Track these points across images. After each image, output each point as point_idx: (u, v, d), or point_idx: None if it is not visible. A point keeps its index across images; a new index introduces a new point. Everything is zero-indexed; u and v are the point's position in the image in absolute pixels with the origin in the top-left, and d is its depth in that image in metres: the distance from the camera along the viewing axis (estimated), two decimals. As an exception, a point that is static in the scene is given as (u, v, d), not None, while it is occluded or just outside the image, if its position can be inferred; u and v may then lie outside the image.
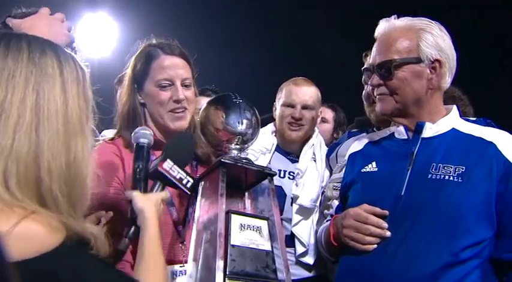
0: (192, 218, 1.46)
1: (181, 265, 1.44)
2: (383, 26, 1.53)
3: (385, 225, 1.39)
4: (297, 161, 2.23)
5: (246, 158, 1.39)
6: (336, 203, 1.69)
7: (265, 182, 1.41)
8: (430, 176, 1.40)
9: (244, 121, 1.39)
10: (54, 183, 0.90)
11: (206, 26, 4.95)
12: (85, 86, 1.01)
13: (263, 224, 1.32)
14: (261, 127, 2.40)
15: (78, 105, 0.97)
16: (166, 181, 1.30)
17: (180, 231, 1.51)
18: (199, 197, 1.36)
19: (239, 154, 1.39)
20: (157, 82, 1.57)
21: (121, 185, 1.47)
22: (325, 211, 1.81)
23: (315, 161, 2.22)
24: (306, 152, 2.24)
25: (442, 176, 1.39)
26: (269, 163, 2.20)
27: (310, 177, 2.16)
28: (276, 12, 5.20)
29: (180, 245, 1.49)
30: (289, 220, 2.14)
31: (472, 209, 1.35)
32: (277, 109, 2.30)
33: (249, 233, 1.29)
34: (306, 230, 2.10)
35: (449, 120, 1.52)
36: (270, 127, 2.34)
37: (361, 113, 2.07)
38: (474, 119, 1.78)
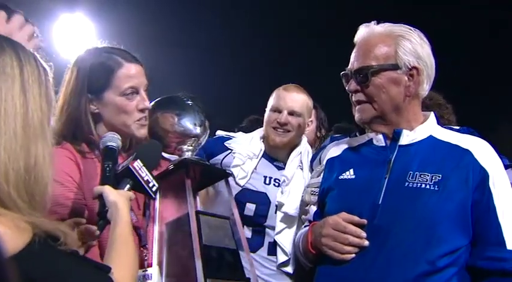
0: (151, 221, 1.46)
1: (144, 269, 1.43)
2: (362, 31, 1.54)
3: (364, 234, 1.39)
4: (283, 168, 2.24)
5: (200, 159, 1.39)
6: (313, 208, 1.69)
7: (222, 182, 1.43)
8: (406, 184, 1.42)
9: (200, 123, 1.40)
10: (13, 188, 0.89)
11: (185, 26, 4.92)
12: (48, 86, 0.98)
13: (226, 223, 1.35)
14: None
15: (39, 106, 0.94)
16: (134, 181, 1.31)
17: (141, 234, 1.51)
18: (158, 199, 1.36)
19: (193, 156, 1.40)
20: (123, 91, 1.54)
21: (79, 189, 1.46)
22: (303, 216, 1.82)
23: (301, 169, 2.23)
24: (292, 160, 2.25)
25: (419, 184, 1.40)
26: (255, 169, 2.21)
27: (296, 185, 2.16)
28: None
29: (142, 248, 1.48)
30: (273, 228, 2.14)
31: (447, 217, 1.36)
32: (267, 112, 2.31)
33: (216, 233, 1.31)
34: (289, 239, 2.10)
35: (427, 128, 1.53)
36: (259, 132, 2.34)
37: (342, 115, 2.08)
38: (458, 127, 1.81)
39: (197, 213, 1.32)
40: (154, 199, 1.41)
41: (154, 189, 1.32)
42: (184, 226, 1.33)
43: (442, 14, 4.52)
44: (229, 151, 2.22)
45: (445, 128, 1.63)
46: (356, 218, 1.41)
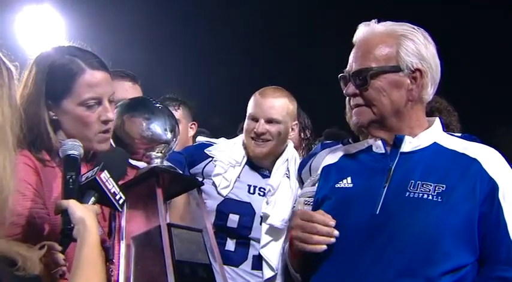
0: (117, 234, 1.43)
1: None
2: (362, 31, 1.49)
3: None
4: (269, 177, 2.16)
5: (171, 166, 1.37)
6: None
7: (194, 192, 1.42)
8: (407, 194, 1.36)
9: (170, 128, 1.38)
10: None
11: (155, 20, 4.89)
12: (11, 88, 0.93)
13: (198, 237, 1.33)
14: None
15: (1, 111, 0.91)
16: (99, 193, 1.27)
17: (107, 248, 1.43)
18: (125, 210, 1.33)
19: (162, 163, 1.37)
20: (83, 101, 1.44)
21: (40, 199, 1.39)
22: None
23: (288, 177, 2.15)
24: (278, 167, 2.16)
25: (421, 194, 1.35)
26: (238, 177, 2.14)
27: (283, 195, 2.09)
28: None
29: (107, 263, 1.41)
30: (259, 240, 2.07)
31: (451, 231, 1.31)
32: (246, 119, 2.22)
33: (188, 247, 1.29)
34: (275, 253, 2.03)
35: (431, 134, 1.48)
36: (242, 138, 2.25)
37: (332, 120, 2.00)
38: (459, 134, 1.77)
39: (169, 226, 1.29)
40: (120, 212, 1.38)
41: (121, 201, 1.29)
42: (154, 240, 1.29)
43: (442, 13, 4.59)
44: (211, 159, 2.15)
45: (449, 134, 1.59)
46: (328, 216, 1.36)
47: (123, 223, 1.34)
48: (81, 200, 1.24)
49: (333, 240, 1.34)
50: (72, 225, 1.18)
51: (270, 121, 2.13)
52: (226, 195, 2.08)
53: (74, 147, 1.32)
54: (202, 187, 2.01)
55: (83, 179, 1.28)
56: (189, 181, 1.44)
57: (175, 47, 5.00)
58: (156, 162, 1.40)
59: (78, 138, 1.42)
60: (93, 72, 1.45)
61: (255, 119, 2.14)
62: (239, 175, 2.15)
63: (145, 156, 1.42)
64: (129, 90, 2.14)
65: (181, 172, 1.40)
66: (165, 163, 1.47)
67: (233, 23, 5.02)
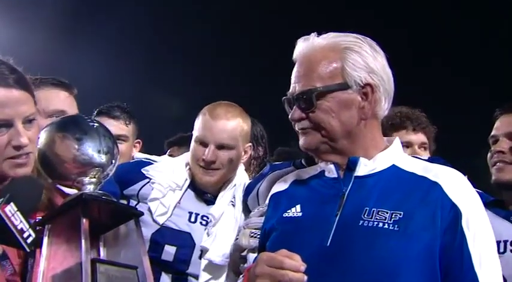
0: (34, 273, 1.34)
1: None
2: (301, 47, 1.42)
3: (303, 267, 1.24)
4: (214, 203, 2.04)
5: (104, 194, 1.30)
6: (252, 255, 1.61)
7: (131, 223, 1.35)
8: (361, 222, 1.31)
9: (106, 150, 1.32)
10: None
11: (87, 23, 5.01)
12: None
13: (131, 274, 1.26)
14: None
15: None
16: (3, 231, 1.17)
17: None
18: (45, 244, 1.26)
19: (96, 190, 1.30)
20: None
21: None
22: (241, 265, 1.68)
23: (233, 205, 2.03)
24: (223, 195, 2.04)
25: (376, 223, 1.30)
26: (179, 203, 2.01)
27: (225, 226, 1.97)
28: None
29: None
30: (197, 276, 1.95)
31: (410, 263, 1.26)
32: (192, 141, 2.07)
33: None
34: None
35: (389, 156, 1.43)
36: (185, 158, 2.11)
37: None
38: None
39: (93, 261, 1.21)
40: (27, 252, 1.28)
41: (29, 240, 1.19)
42: (75, 279, 1.21)
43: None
44: (148, 180, 2.01)
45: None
46: (297, 256, 1.26)
47: (42, 259, 1.26)
48: None
49: None
50: None
51: (221, 147, 1.99)
52: (163, 224, 1.95)
53: None
54: (136, 213, 1.94)
55: None
56: (125, 211, 1.37)
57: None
58: (88, 188, 1.32)
59: None
60: (3, 91, 1.36)
61: (204, 144, 1.99)
62: (179, 200, 2.01)
63: (77, 182, 1.34)
64: (66, 100, 1.99)
65: (114, 200, 1.32)
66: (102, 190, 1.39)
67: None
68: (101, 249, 1.35)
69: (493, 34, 5.39)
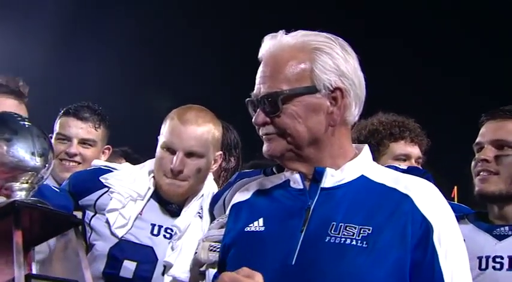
0: None
1: None
2: (268, 45, 1.37)
3: None
4: (179, 215, 1.96)
5: (39, 201, 1.24)
6: (211, 271, 1.55)
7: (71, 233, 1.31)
8: (328, 239, 1.28)
9: (40, 152, 1.26)
10: None
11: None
12: None
13: None
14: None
15: None
16: None
17: None
18: None
19: (29, 196, 1.24)
20: None
21: None
22: None
23: (201, 217, 1.96)
24: (190, 205, 1.96)
25: (343, 239, 1.27)
26: (140, 214, 1.93)
27: (192, 239, 1.87)
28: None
29: None
30: None
31: (379, 281, 1.24)
32: (158, 147, 1.99)
33: None
34: None
35: (358, 165, 1.38)
36: (148, 165, 2.02)
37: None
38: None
39: (28, 277, 1.17)
40: None
41: None
42: None
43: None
44: (106, 189, 1.93)
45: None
46: (259, 276, 1.22)
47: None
48: None
49: None
50: None
51: (190, 154, 1.90)
52: (123, 237, 1.87)
53: None
54: (93, 224, 1.92)
55: None
56: (62, 219, 1.30)
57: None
58: (19, 195, 1.25)
59: None
60: None
61: (171, 151, 1.90)
62: (141, 211, 1.94)
63: (5, 189, 1.27)
64: (12, 108, 1.88)
65: (51, 208, 1.25)
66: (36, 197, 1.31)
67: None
68: (33, 263, 1.30)
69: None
